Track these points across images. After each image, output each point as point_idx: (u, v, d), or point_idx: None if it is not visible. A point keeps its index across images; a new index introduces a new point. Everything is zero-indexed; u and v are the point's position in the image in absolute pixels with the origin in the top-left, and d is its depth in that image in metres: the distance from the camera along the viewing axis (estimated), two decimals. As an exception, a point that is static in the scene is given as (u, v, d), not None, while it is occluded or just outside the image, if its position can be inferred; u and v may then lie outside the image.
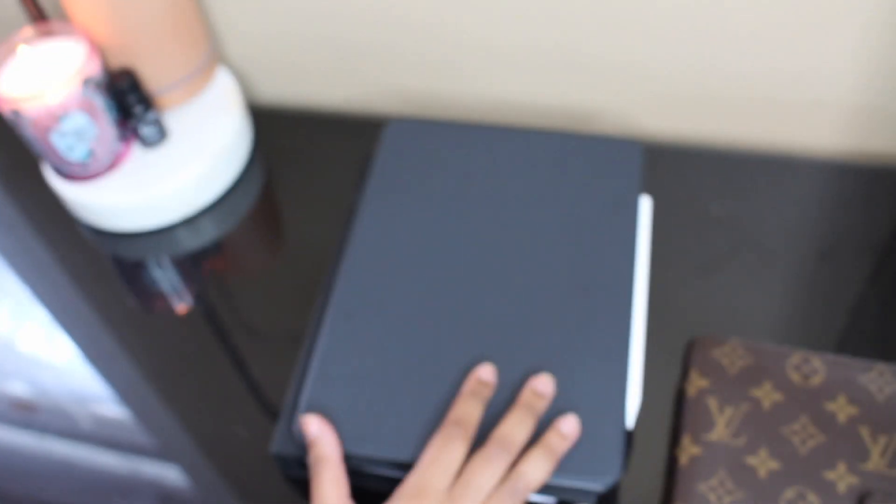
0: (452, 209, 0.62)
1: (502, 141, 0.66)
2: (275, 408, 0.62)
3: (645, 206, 0.62)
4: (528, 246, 0.60)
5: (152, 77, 0.70)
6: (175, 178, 0.71)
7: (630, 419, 0.54)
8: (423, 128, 0.68)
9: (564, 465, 0.51)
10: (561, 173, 0.64)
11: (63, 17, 0.70)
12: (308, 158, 0.77)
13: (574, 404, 0.53)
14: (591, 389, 0.53)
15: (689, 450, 0.54)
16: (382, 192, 0.64)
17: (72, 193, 0.71)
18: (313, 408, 0.54)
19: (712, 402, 0.55)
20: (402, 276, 0.59)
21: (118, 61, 0.69)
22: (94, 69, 0.65)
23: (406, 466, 0.52)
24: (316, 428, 0.52)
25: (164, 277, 0.71)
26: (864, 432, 0.53)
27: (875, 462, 0.52)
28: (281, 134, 0.79)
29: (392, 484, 0.54)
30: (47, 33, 0.67)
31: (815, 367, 0.56)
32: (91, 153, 0.68)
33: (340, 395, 0.54)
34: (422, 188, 0.64)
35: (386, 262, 0.60)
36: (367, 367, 0.55)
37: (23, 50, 0.66)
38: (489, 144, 0.66)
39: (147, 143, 0.72)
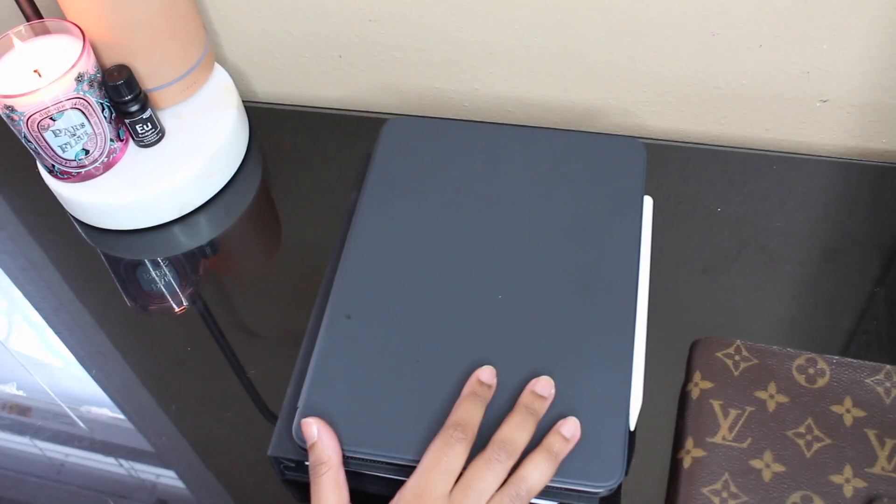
0: (452, 207, 0.62)
1: (503, 138, 0.65)
2: (272, 410, 0.61)
3: (647, 206, 0.62)
4: (529, 245, 0.59)
5: (148, 75, 0.70)
6: (171, 177, 0.70)
7: (632, 421, 0.53)
8: (421, 125, 0.67)
9: (566, 467, 0.50)
10: (563, 171, 0.63)
11: (58, 14, 0.70)
12: (305, 157, 0.77)
13: (576, 406, 0.52)
14: (593, 391, 0.53)
15: (692, 452, 0.53)
16: (381, 190, 0.63)
17: (67, 192, 0.70)
18: (311, 410, 0.53)
19: (716, 404, 0.55)
20: (402, 276, 0.59)
21: (114, 59, 0.68)
22: (89, 67, 0.65)
23: (405, 467, 0.51)
24: (316, 430, 0.51)
25: (160, 277, 0.70)
26: (871, 435, 0.53)
27: (882, 465, 0.52)
28: (278, 132, 0.79)
29: (392, 486, 0.54)
30: (42, 30, 0.67)
31: (820, 369, 0.55)
32: (86, 152, 0.68)
33: (338, 396, 0.53)
34: (421, 186, 0.63)
35: (385, 261, 0.59)
36: (365, 368, 0.55)
37: (17, 47, 0.66)
38: (489, 142, 0.65)
39: (143, 141, 0.71)
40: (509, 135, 0.66)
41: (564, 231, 0.60)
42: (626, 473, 0.52)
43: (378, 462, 0.52)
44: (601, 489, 0.50)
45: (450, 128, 0.67)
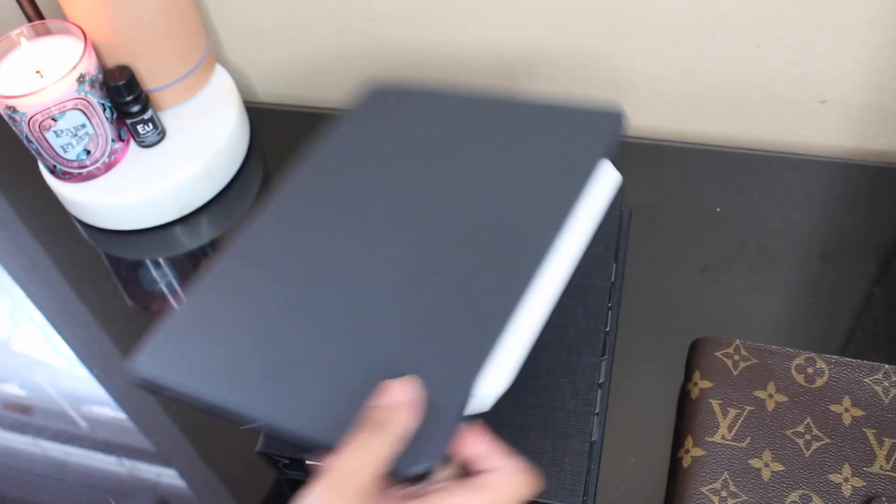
0: (393, 175, 0.57)
1: (475, 109, 0.60)
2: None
3: (605, 174, 0.54)
4: (455, 216, 0.54)
5: (149, 75, 0.70)
6: (172, 177, 0.70)
7: (482, 404, 0.45)
8: (401, 93, 0.62)
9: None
10: (523, 141, 0.57)
11: (59, 15, 0.70)
12: (307, 157, 0.77)
13: (421, 373, 0.45)
14: (443, 365, 0.46)
15: (692, 452, 0.53)
16: (329, 153, 0.60)
17: (68, 192, 0.70)
18: (167, 338, 0.49)
19: (716, 404, 0.55)
20: (302, 237, 0.55)
21: (115, 59, 0.68)
22: (91, 67, 0.65)
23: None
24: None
25: (162, 277, 0.70)
26: (870, 434, 0.53)
27: (881, 465, 0.52)
28: (279, 132, 0.79)
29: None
30: (44, 31, 0.67)
31: (819, 369, 0.55)
32: (87, 152, 0.68)
33: (198, 335, 0.49)
34: (369, 153, 0.59)
35: (296, 221, 0.56)
36: (230, 317, 0.50)
37: (19, 47, 0.66)
38: (462, 112, 0.60)
39: (144, 142, 0.71)
40: (484, 105, 0.60)
41: (494, 201, 0.54)
42: (443, 458, 0.43)
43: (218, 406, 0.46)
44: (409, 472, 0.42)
45: (429, 98, 0.62)
